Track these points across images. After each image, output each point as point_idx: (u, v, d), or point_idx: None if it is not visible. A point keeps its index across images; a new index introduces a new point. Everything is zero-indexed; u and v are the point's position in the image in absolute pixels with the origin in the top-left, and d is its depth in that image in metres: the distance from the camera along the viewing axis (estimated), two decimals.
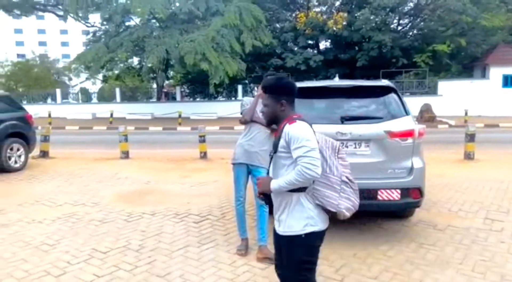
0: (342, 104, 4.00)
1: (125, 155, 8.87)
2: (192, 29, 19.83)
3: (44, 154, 9.04)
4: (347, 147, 3.76)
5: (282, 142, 2.05)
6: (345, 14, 22.24)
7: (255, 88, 26.10)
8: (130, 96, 27.89)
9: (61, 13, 24.89)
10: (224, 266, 3.36)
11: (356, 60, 22.67)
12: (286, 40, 23.76)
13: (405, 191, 3.70)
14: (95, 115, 23.52)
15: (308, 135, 1.98)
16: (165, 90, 30.17)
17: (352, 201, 2.10)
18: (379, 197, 3.69)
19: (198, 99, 27.47)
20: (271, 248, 3.50)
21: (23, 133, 7.78)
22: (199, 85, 26.01)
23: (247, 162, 3.50)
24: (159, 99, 27.22)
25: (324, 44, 26.09)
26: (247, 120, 3.48)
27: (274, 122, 2.18)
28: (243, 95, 23.85)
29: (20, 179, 6.89)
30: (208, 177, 6.83)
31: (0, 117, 7.30)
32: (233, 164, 3.59)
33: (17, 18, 33.09)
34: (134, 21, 22.75)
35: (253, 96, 4.05)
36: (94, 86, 34.25)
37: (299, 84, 4.14)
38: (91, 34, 25.43)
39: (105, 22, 23.34)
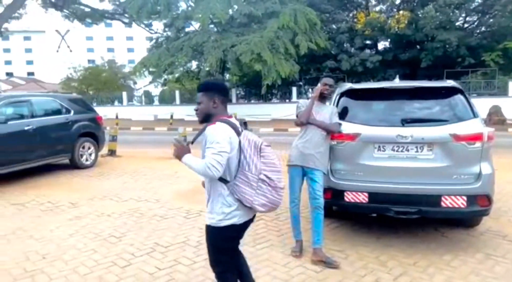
0: (403, 106, 3.85)
1: None
2: (248, 32, 20.21)
3: (112, 153, 9.70)
4: (407, 150, 3.62)
5: (201, 138, 2.25)
6: (408, 13, 21.31)
7: (309, 90, 25.90)
8: (188, 99, 28.96)
9: (127, 20, 26.56)
10: (278, 266, 3.39)
11: (418, 60, 21.62)
12: (342, 41, 23.28)
13: (472, 198, 3.48)
14: (157, 116, 24.74)
15: (220, 138, 2.11)
16: None
17: (269, 198, 2.19)
18: (442, 204, 3.50)
19: (252, 101, 27.83)
20: (326, 251, 3.49)
21: (93, 133, 8.40)
22: (253, 88, 26.36)
23: (302, 164, 3.50)
24: None
25: (383, 44, 25.20)
26: (303, 122, 3.49)
27: (207, 120, 2.29)
28: (297, 97, 23.76)
29: (91, 175, 7.45)
30: None
31: (74, 118, 7.94)
32: (288, 165, 3.61)
33: (89, 26, 35.87)
34: (193, 26, 23.62)
35: (308, 98, 4.05)
36: (156, 89, 36.06)
37: (355, 86, 4.08)
38: (154, 40, 26.79)
39: (166, 29, 24.49)
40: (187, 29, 23.44)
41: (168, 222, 4.61)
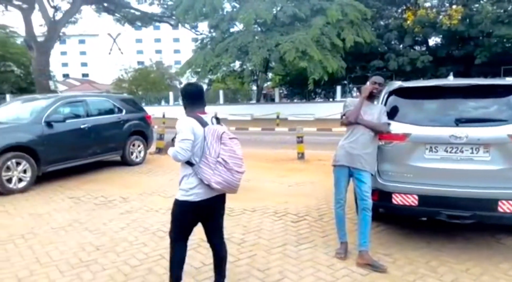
0: (457, 105, 3.66)
1: None
2: (292, 31, 20.17)
3: (159, 150, 10.06)
4: (462, 152, 3.44)
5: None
6: (461, 8, 20.23)
7: (354, 89, 25.33)
8: (231, 98, 29.38)
9: (174, 23, 27.41)
10: (322, 267, 3.36)
11: (472, 57, 20.46)
12: (390, 39, 22.54)
13: None
14: None
15: (183, 129, 2.60)
16: (264, 92, 31.09)
17: (224, 178, 2.59)
18: (499, 209, 3.30)
19: (295, 100, 27.71)
20: (372, 255, 3.40)
21: (143, 131, 8.76)
22: (297, 87, 26.23)
23: (349, 164, 3.43)
24: (258, 100, 28.17)
25: (434, 41, 24.10)
26: (352, 121, 3.42)
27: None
28: (342, 97, 23.33)
29: (140, 172, 7.77)
30: (305, 178, 6.86)
31: (125, 118, 8.32)
32: (334, 165, 3.55)
33: (138, 29, 37.44)
34: (238, 27, 23.91)
35: (352, 97, 3.95)
36: None
37: (406, 84, 3.94)
38: (200, 41, 27.46)
39: (212, 30, 25.00)
40: (231, 30, 23.79)
41: None
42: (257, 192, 6.00)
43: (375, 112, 3.49)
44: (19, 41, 35.33)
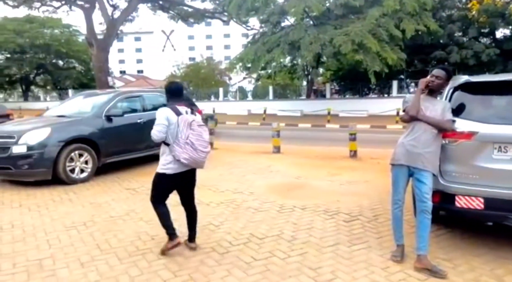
0: None
1: (277, 149, 9.35)
2: (346, 23, 19.58)
3: (210, 145, 10.25)
4: None
5: None
6: None
7: (412, 84, 24.17)
8: (281, 94, 29.28)
9: (225, 18, 27.79)
10: (377, 269, 3.22)
11: None
12: (452, 31, 21.18)
13: None
14: (250, 111, 25.51)
15: (159, 116, 3.39)
16: (314, 87, 30.65)
17: (190, 155, 3.33)
18: None
19: (347, 96, 27.01)
20: (431, 259, 3.21)
21: None
22: (349, 82, 25.52)
23: (409, 163, 3.24)
24: (308, 96, 27.82)
25: (502, 33, 22.33)
26: (413, 115, 3.21)
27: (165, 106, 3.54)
28: (398, 92, 22.36)
29: None
30: (358, 176, 6.65)
31: None
32: (393, 164, 3.37)
33: (190, 26, 38.41)
34: (289, 20, 23.70)
35: (410, 93, 3.71)
36: (250, 84, 37.18)
37: (473, 79, 3.65)
38: (251, 36, 27.63)
39: (262, 24, 25.01)
40: (282, 24, 23.61)
41: (262, 214, 4.69)
42: (307, 189, 5.91)
43: (438, 109, 3.26)
44: (80, 39, 37.72)
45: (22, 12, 34.58)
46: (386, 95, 23.35)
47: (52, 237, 4.01)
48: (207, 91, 32.63)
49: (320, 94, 30.36)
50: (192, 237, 3.70)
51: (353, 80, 23.97)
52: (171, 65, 41.94)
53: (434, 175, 3.27)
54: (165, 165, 3.42)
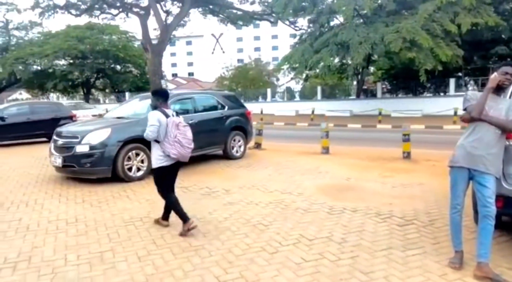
0: None
1: (326, 150, 9.23)
2: (398, 20, 18.83)
3: (258, 146, 10.36)
4: None
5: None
6: None
7: (470, 82, 22.78)
8: (329, 94, 28.82)
9: (273, 19, 27.88)
10: (433, 276, 3.08)
11: None
12: None
13: None
14: (298, 112, 25.39)
15: (151, 118, 4.03)
16: (364, 87, 29.84)
17: (178, 151, 4.00)
18: None
19: (400, 95, 25.99)
20: (493, 267, 3.02)
21: (243, 127, 9.09)
22: (402, 81, 24.54)
23: (469, 166, 3.06)
24: (358, 96, 27.14)
25: None
26: (475, 117, 3.03)
27: (155, 109, 4.17)
28: (456, 91, 21.14)
29: (240, 166, 8.08)
30: (412, 179, 6.39)
31: (228, 113, 8.73)
32: (451, 167, 3.20)
33: (239, 28, 38.98)
34: (338, 19, 23.27)
35: (470, 90, 3.49)
36: (298, 85, 36.99)
37: None
38: (298, 37, 27.47)
39: (311, 24, 24.77)
40: (331, 23, 23.22)
41: (311, 215, 4.66)
42: (357, 191, 5.78)
43: (502, 108, 3.05)
44: (136, 44, 39.61)
45: (83, 20, 37.07)
46: (442, 94, 22.14)
47: (111, 231, 4.26)
48: (255, 92, 32.91)
49: (370, 94, 29.49)
50: (167, 216, 4.44)
51: (406, 79, 23.01)
52: (220, 67, 42.81)
53: (496, 178, 3.07)
54: (160, 160, 4.10)
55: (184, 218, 4.08)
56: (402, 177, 6.57)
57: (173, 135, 3.97)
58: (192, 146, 4.11)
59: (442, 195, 4.98)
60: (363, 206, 4.96)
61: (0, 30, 43.60)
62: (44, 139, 12.63)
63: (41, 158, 9.43)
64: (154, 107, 4.19)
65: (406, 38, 17.04)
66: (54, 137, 7.05)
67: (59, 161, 6.62)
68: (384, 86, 27.22)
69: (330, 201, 5.24)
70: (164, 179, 4.21)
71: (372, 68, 28.60)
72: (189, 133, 4.09)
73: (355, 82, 28.93)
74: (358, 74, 26.89)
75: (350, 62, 21.43)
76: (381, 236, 3.97)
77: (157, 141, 4.05)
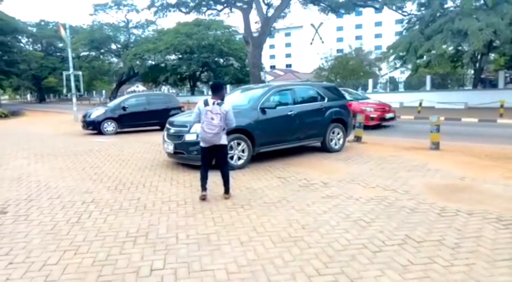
0: None
1: (436, 146, 8.47)
2: None
3: (358, 139, 9.98)
4: None
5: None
6: None
7: None
8: (440, 84, 26.34)
9: (378, 5, 26.35)
10: None
11: None
12: None
13: None
14: (402, 104, 23.74)
15: (196, 106, 5.19)
16: (482, 76, 26.56)
17: (201, 134, 5.05)
18: None
19: None
20: None
21: (343, 119, 8.82)
22: None
23: None
24: (475, 86, 24.28)
25: None
26: None
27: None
28: None
29: (339, 159, 7.87)
30: None
31: (327, 105, 8.55)
32: None
33: (340, 17, 37.79)
34: (453, 2, 20.99)
35: None
36: (402, 75, 34.58)
37: None
38: (406, 22, 25.50)
39: (422, 8, 22.77)
40: (445, 6, 21.02)
41: (419, 216, 4.33)
42: (472, 192, 5.19)
43: None
44: (237, 38, 41.20)
45: (191, 17, 39.86)
46: None
47: (216, 215, 4.52)
48: (355, 83, 31.67)
49: (489, 84, 26.13)
50: (226, 190, 5.26)
51: None
52: (319, 58, 42.15)
53: None
54: (201, 140, 5.08)
55: (201, 187, 5.16)
56: None
57: (202, 121, 4.95)
58: (214, 131, 4.87)
59: None
60: (481, 209, 4.44)
61: (122, 29, 49.42)
62: (157, 127, 13.97)
63: (155, 144, 10.46)
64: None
65: None
66: (167, 126, 7.72)
67: (171, 148, 7.25)
68: (507, 75, 23.82)
69: (441, 202, 4.80)
70: (202, 156, 5.20)
71: (492, 55, 25.23)
72: (215, 120, 4.85)
73: (471, 71, 25.91)
74: (476, 62, 23.99)
75: (466, 49, 19.18)
76: (503, 244, 3.51)
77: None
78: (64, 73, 23.12)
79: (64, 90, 26.17)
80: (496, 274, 2.97)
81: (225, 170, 5.21)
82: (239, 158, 7.16)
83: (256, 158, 7.54)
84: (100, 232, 4.07)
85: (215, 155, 5.21)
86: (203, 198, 5.11)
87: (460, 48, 21.27)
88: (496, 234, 3.76)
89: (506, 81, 23.80)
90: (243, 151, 7.17)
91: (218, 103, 4.93)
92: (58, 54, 54.69)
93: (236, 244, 3.67)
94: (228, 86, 37.92)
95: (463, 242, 3.58)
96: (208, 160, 5.20)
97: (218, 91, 5.11)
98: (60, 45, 51.37)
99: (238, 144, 7.12)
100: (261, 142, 7.44)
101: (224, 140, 5.13)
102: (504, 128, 12.72)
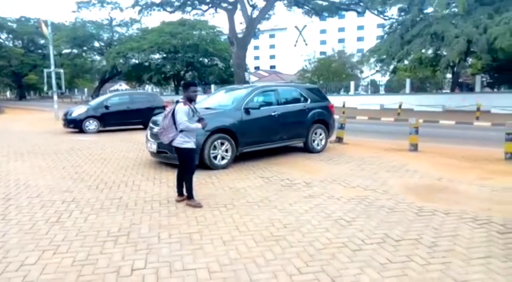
0: None
1: (414, 147, 8.67)
2: (507, 6, 16.72)
3: (339, 140, 10.12)
4: None
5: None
6: None
7: None
8: (419, 87, 26.93)
9: (360, 9, 26.79)
10: None
11: None
12: None
13: None
14: (383, 106, 24.18)
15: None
16: (460, 80, 27.28)
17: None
18: None
19: (503, 90, 23.31)
20: None
21: (325, 120, 8.92)
22: (507, 73, 21.94)
23: None
24: (452, 90, 24.93)
25: None
26: None
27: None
28: None
29: (321, 159, 7.97)
30: None
31: (310, 106, 8.64)
32: None
33: (323, 20, 38.16)
34: (432, 7, 21.50)
35: None
36: (383, 78, 35.20)
37: None
38: (388, 26, 25.99)
39: (402, 13, 23.25)
40: (425, 11, 21.51)
41: (397, 215, 4.43)
42: (450, 193, 5.35)
43: None
44: (222, 38, 41.15)
45: (176, 16, 39.64)
46: None
47: (199, 215, 4.52)
48: (337, 85, 32.05)
49: (467, 88, 26.88)
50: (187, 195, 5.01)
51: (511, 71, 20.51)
52: (303, 60, 42.48)
53: None
54: (190, 142, 4.97)
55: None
56: (504, 180, 5.91)
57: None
58: (159, 130, 4.97)
59: None
60: (457, 209, 4.58)
61: (105, 27, 48.65)
62: (141, 126, 13.83)
63: (138, 143, 10.35)
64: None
65: None
66: (151, 125, 7.66)
67: (154, 147, 7.19)
68: (484, 79, 24.56)
69: (419, 202, 4.93)
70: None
71: (470, 60, 25.96)
72: (165, 120, 4.83)
73: (449, 75, 26.58)
74: (453, 67, 24.66)
75: (445, 53, 19.69)
76: (478, 243, 3.64)
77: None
78: (45, 70, 22.60)
79: (45, 88, 25.59)
80: (471, 272, 3.07)
81: (185, 177, 4.97)
82: (223, 158, 7.16)
83: (240, 158, 7.57)
84: (80, 231, 4.02)
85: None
86: (178, 201, 5.06)
87: (439, 52, 21.79)
88: (471, 233, 3.88)
89: (483, 85, 24.51)
90: (226, 151, 7.18)
91: (177, 102, 4.88)
92: (40, 51, 53.36)
93: (218, 243, 3.69)
94: (212, 86, 37.78)
95: (439, 241, 3.69)
96: (179, 160, 5.09)
97: (184, 90, 4.96)
98: (42, 42, 50.11)
99: (222, 144, 7.12)
100: (245, 142, 7.47)
101: (178, 142, 4.83)
102: (480, 131, 13.12)
